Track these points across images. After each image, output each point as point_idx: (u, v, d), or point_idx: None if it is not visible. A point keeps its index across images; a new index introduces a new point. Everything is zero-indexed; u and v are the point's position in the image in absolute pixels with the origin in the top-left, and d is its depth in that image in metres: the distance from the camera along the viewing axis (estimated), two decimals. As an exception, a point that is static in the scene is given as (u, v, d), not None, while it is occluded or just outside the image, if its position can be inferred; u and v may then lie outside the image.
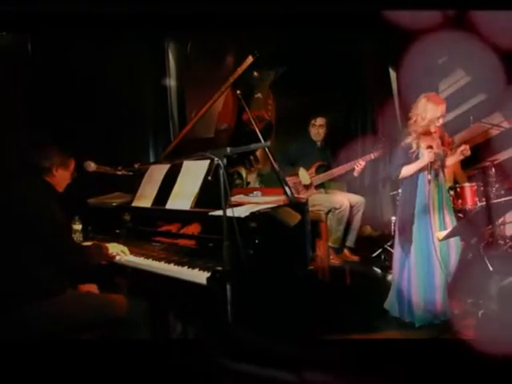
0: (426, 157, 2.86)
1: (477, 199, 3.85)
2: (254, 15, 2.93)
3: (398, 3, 2.77)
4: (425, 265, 2.95)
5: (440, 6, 3.05)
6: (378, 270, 3.99)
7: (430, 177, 2.86)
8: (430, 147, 2.86)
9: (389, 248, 4.15)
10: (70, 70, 3.71)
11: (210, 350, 1.98)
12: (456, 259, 2.98)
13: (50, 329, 2.14)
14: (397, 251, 3.12)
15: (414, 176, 2.98)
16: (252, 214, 2.24)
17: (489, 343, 2.20)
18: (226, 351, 1.93)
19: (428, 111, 2.88)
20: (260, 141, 2.70)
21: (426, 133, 2.91)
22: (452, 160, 3.07)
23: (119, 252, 2.53)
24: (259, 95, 3.16)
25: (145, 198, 2.85)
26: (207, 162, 2.54)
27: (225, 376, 1.87)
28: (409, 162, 2.96)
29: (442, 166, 3.04)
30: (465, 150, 2.99)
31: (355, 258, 4.09)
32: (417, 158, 2.95)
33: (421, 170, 2.94)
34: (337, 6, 2.71)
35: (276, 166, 2.67)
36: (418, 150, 2.95)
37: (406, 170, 2.97)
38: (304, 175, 3.94)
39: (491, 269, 3.52)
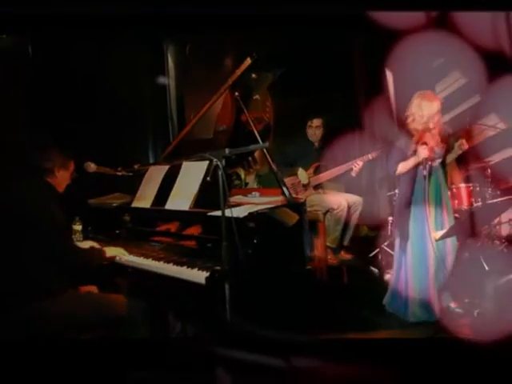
0: (420, 153, 2.90)
1: (473, 200, 3.89)
2: (251, 16, 2.95)
3: (397, 4, 2.79)
4: (421, 262, 2.98)
5: (440, 7, 3.08)
6: (376, 270, 4.02)
7: (425, 172, 2.90)
8: (425, 143, 2.90)
9: (386, 248, 4.18)
10: (70, 72, 3.73)
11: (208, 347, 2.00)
12: (453, 257, 3.01)
13: (50, 329, 2.16)
14: (396, 248, 3.16)
15: (411, 172, 3.01)
16: (250, 214, 2.26)
17: (485, 342, 2.23)
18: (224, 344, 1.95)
19: (424, 109, 2.92)
20: (258, 142, 2.72)
21: (425, 130, 2.95)
22: (451, 156, 3.09)
23: (118, 254, 2.55)
24: (257, 97, 3.17)
25: (144, 199, 2.87)
26: (206, 162, 2.57)
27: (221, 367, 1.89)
28: (405, 159, 3.00)
29: (443, 164, 3.07)
30: (462, 144, 3.02)
31: (348, 257, 4.11)
32: (413, 155, 2.98)
33: (417, 166, 2.98)
34: (333, 7, 2.74)
35: (274, 166, 2.69)
36: (416, 147, 2.98)
37: (402, 167, 3.01)
38: (303, 174, 3.97)
39: (487, 268, 3.56)
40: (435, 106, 2.92)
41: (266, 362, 1.92)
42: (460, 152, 3.06)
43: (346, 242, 4.03)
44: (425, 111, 2.91)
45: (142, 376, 1.98)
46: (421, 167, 2.95)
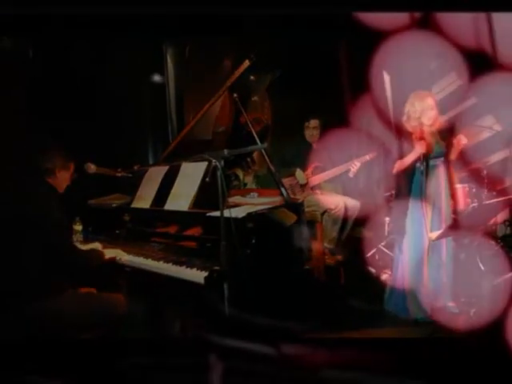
0: (417, 148, 2.94)
1: (469, 200, 3.91)
2: (243, 17, 2.96)
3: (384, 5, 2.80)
4: (417, 260, 3.01)
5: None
6: (373, 270, 4.05)
7: (422, 167, 2.93)
8: (422, 139, 2.94)
9: (383, 248, 4.21)
10: (70, 73, 3.76)
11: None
12: (449, 257, 3.04)
13: (49, 328, 2.18)
14: (394, 245, 3.20)
15: (410, 170, 3.04)
16: (249, 214, 2.29)
17: (480, 341, 2.26)
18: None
19: (416, 105, 2.97)
20: (257, 143, 2.74)
21: (421, 125, 2.98)
22: (454, 153, 3.11)
23: (116, 256, 2.58)
24: (256, 98, 3.20)
25: (144, 199, 2.89)
26: (205, 163, 2.59)
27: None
28: (403, 157, 3.04)
29: (447, 161, 3.09)
30: (459, 139, 3.04)
31: (340, 258, 4.12)
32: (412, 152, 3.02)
33: (416, 163, 3.01)
34: (332, 7, 2.75)
35: (272, 167, 2.72)
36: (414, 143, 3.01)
37: (401, 163, 3.05)
38: (300, 175, 3.99)
39: (483, 268, 3.58)
40: (427, 101, 2.97)
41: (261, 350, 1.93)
42: (460, 148, 3.07)
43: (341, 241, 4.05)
44: (417, 107, 2.97)
45: (141, 374, 1.99)
46: (418, 163, 2.98)
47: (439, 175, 3.06)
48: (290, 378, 1.93)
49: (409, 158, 3.00)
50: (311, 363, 1.96)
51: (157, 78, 4.52)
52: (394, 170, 3.09)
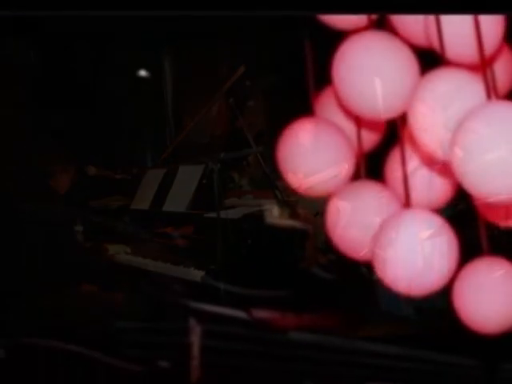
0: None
1: (461, 201, 3.98)
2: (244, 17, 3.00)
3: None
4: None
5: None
6: (365, 269, 4.11)
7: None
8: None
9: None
10: (70, 79, 3.80)
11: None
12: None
13: (50, 326, 2.23)
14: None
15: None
16: (244, 215, 2.35)
17: (466, 340, 2.32)
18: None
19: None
20: (252, 146, 2.81)
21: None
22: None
23: (120, 252, 2.65)
24: (251, 103, 3.27)
25: (143, 201, 2.94)
26: (202, 166, 2.63)
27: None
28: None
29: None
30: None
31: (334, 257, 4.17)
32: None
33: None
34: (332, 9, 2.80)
35: (267, 170, 2.78)
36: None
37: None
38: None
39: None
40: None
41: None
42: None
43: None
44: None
45: (140, 373, 2.04)
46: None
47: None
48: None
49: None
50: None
51: (156, 82, 4.58)
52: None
